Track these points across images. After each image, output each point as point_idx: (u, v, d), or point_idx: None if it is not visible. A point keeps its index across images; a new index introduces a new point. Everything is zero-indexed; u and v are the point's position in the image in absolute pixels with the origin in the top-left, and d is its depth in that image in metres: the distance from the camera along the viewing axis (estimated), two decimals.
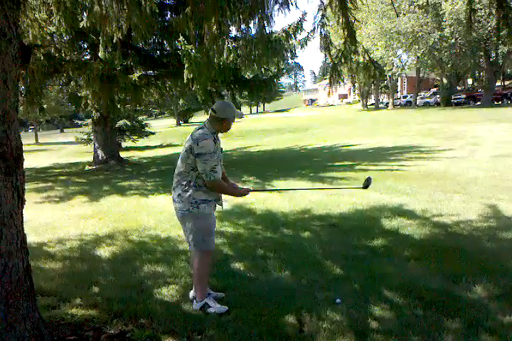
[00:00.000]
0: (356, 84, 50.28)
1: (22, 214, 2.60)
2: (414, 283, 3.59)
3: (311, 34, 7.04)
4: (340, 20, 4.99)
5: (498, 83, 46.70)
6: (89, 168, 14.13)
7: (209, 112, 3.32)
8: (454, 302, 3.23)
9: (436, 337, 2.81)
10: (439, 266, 3.97)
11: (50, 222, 6.51)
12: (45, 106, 16.66)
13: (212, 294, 3.50)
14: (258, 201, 7.20)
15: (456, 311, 3.10)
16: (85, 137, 23.69)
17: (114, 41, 5.57)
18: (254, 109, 79.03)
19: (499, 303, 3.22)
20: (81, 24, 5.87)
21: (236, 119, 3.38)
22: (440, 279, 3.70)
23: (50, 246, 5.20)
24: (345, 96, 71.66)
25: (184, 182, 3.24)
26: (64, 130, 62.19)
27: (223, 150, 3.53)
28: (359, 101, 57.53)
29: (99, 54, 6.18)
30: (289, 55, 9.74)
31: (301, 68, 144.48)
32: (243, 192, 3.49)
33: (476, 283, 3.55)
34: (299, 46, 9.19)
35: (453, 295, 3.38)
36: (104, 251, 4.90)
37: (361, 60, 6.47)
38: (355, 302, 3.33)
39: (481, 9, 23.62)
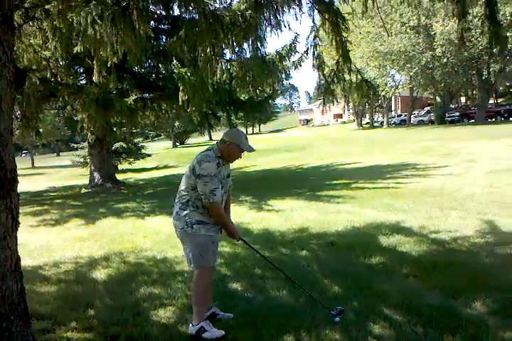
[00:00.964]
0: (351, 104, 50.83)
1: (16, 237, 2.59)
2: (413, 300, 3.56)
3: (305, 55, 7.14)
4: (333, 41, 5.08)
5: (491, 100, 47.25)
6: (86, 190, 14.09)
7: (220, 138, 3.29)
8: (453, 319, 3.20)
9: None
10: (438, 282, 3.95)
11: (45, 245, 6.46)
12: (41, 130, 16.75)
13: (220, 314, 3.47)
14: (255, 220, 7.19)
15: (456, 328, 3.07)
16: (81, 160, 23.73)
17: (109, 65, 5.64)
18: (249, 130, 79.46)
19: (499, 320, 3.19)
20: (75, 49, 5.94)
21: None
22: (439, 296, 3.67)
23: (45, 269, 5.15)
24: (340, 116, 72.18)
25: (183, 201, 3.25)
26: (60, 154, 62.27)
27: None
28: (354, 120, 57.97)
29: (94, 78, 6.24)
30: (283, 76, 9.87)
31: (295, 89, 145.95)
32: (234, 231, 3.32)
33: (475, 299, 3.53)
34: (293, 67, 9.31)
35: (452, 311, 3.35)
36: (99, 274, 4.85)
37: (354, 79, 6.56)
38: (354, 320, 3.30)
39: (472, 29, 24.18)
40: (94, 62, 5.86)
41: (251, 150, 3.27)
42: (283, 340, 3.06)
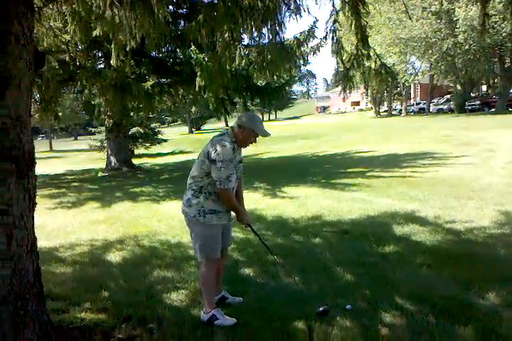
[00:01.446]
0: (369, 91, 50.23)
1: (33, 217, 2.62)
2: (426, 290, 3.54)
3: (324, 40, 7.03)
4: (353, 25, 4.98)
5: None
6: (102, 174, 14.25)
7: (235, 122, 3.22)
8: (466, 310, 3.17)
9: None
10: (452, 272, 3.91)
11: (61, 227, 6.56)
12: (60, 114, 16.89)
13: (229, 298, 3.50)
14: (269, 207, 7.20)
15: (469, 319, 3.04)
16: (98, 144, 23.96)
17: (127, 49, 5.63)
18: (266, 116, 79.20)
19: None
20: (94, 33, 5.95)
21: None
22: (453, 286, 3.63)
23: (61, 250, 5.25)
24: (357, 104, 71.45)
25: (195, 188, 3.18)
26: (78, 138, 62.96)
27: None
28: (372, 108, 57.33)
29: (112, 62, 6.24)
30: (301, 61, 9.74)
31: (313, 76, 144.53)
32: (245, 217, 3.29)
33: (490, 290, 3.49)
34: (311, 53, 9.18)
35: (466, 302, 3.32)
36: (114, 256, 4.92)
37: (373, 65, 6.45)
38: (366, 308, 3.29)
39: (495, 15, 23.53)
40: (113, 46, 5.85)
41: (266, 134, 3.20)
42: (294, 326, 3.07)
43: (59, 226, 6.59)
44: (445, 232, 5.23)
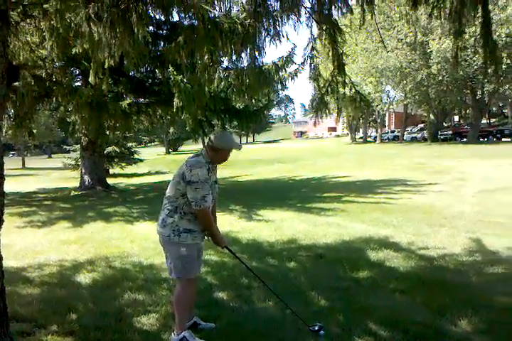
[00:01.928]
0: (345, 118, 51.20)
1: None
2: (399, 316, 3.53)
3: (302, 66, 7.16)
4: (330, 52, 5.10)
5: (484, 120, 47.78)
6: (75, 193, 13.96)
7: (206, 141, 3.24)
8: (439, 336, 3.19)
9: None
10: (425, 299, 3.93)
11: (30, 246, 6.37)
12: (34, 130, 16.63)
13: (201, 324, 3.42)
14: (244, 230, 7.16)
15: None
16: (73, 163, 23.58)
17: (105, 67, 5.62)
18: (244, 139, 79.61)
19: (484, 338, 3.17)
20: (73, 50, 5.92)
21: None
22: (425, 312, 3.64)
23: (29, 271, 5.07)
24: (334, 129, 72.62)
25: (170, 208, 3.17)
26: (52, 155, 61.90)
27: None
28: (348, 134, 58.30)
29: (90, 79, 6.20)
30: (279, 86, 9.91)
31: (291, 100, 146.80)
32: (220, 239, 3.26)
33: (462, 317, 3.51)
34: (289, 78, 9.34)
35: (438, 328, 3.32)
36: (84, 278, 4.78)
37: (348, 92, 6.59)
38: (339, 334, 3.26)
39: (468, 48, 24.45)
40: (92, 63, 5.83)
41: (239, 147, 3.27)
42: None
43: (28, 246, 6.39)
44: (418, 258, 5.27)
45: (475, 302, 3.80)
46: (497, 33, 26.26)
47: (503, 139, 34.43)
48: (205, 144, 3.25)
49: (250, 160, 29.10)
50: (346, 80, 6.11)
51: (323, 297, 4.05)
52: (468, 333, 3.27)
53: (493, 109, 51.41)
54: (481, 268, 4.89)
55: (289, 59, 8.64)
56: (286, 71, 9.07)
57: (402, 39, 32.81)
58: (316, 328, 3.24)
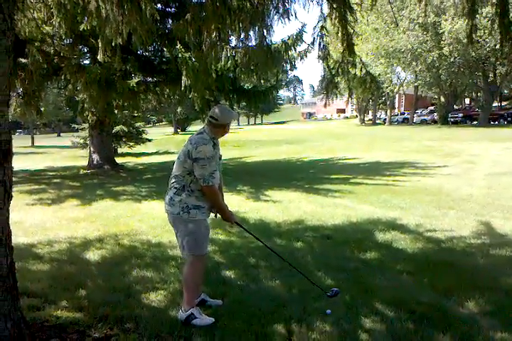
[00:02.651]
0: (354, 100, 50.74)
1: (8, 210, 2.55)
2: (406, 297, 3.54)
3: (311, 46, 7.06)
4: (340, 32, 5.01)
5: (495, 103, 47.12)
6: (84, 171, 14.05)
7: (207, 119, 3.22)
8: (445, 317, 3.19)
9: None
10: (432, 280, 3.93)
11: (40, 223, 6.43)
12: (42, 109, 16.64)
13: (209, 301, 3.46)
14: (252, 210, 7.18)
15: (448, 326, 3.05)
16: (81, 141, 23.62)
17: (114, 45, 5.57)
18: (252, 120, 79.30)
19: (491, 319, 3.18)
20: (81, 27, 5.86)
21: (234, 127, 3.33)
22: (432, 293, 3.65)
23: (38, 247, 5.13)
24: (343, 111, 72.08)
25: (177, 186, 3.18)
26: (61, 134, 62.11)
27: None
28: (356, 116, 57.86)
29: (98, 57, 6.15)
30: (288, 66, 9.77)
31: (300, 81, 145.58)
32: (229, 215, 3.29)
33: (468, 298, 3.51)
34: (299, 58, 9.19)
35: (445, 309, 3.33)
36: (93, 255, 4.83)
37: (358, 73, 6.50)
38: (345, 314, 3.28)
39: (481, 29, 23.96)
40: (99, 41, 5.78)
41: (236, 116, 3.37)
42: (273, 330, 3.05)
43: (37, 223, 6.46)
44: (426, 240, 5.27)
45: (482, 284, 3.80)
46: (511, 15, 25.64)
47: None
48: (207, 121, 3.22)
49: (258, 141, 29.03)
50: (356, 61, 6.03)
51: (329, 277, 4.07)
52: (474, 314, 3.28)
53: (505, 91, 50.58)
54: (488, 250, 4.88)
55: (298, 37, 8.49)
56: (295, 50, 8.94)
57: (414, 19, 32.15)
58: (333, 293, 3.37)
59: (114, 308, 3.35)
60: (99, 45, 5.86)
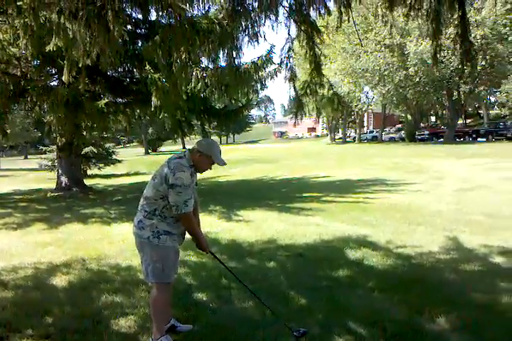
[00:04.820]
0: (324, 118, 51.61)
1: None
2: (378, 314, 3.55)
3: (281, 66, 7.20)
4: (308, 53, 5.12)
5: (460, 121, 48.66)
6: (52, 194, 13.71)
7: (192, 147, 3.15)
8: (417, 334, 3.21)
9: None
10: (403, 297, 3.96)
11: (5, 249, 6.22)
12: (8, 131, 16.26)
13: (179, 326, 3.37)
14: (224, 230, 7.12)
15: None
16: (49, 163, 23.13)
17: (80, 66, 5.52)
18: (224, 139, 79.51)
19: (461, 335, 3.21)
20: (47, 48, 5.79)
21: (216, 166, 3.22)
22: (404, 310, 3.67)
23: (3, 274, 4.95)
24: (313, 130, 73.06)
25: (148, 209, 3.09)
26: (28, 156, 60.72)
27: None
28: (327, 134, 58.73)
29: (64, 78, 6.08)
30: (258, 86, 9.89)
31: (271, 101, 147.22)
32: (204, 243, 3.22)
33: (439, 314, 3.55)
34: (269, 78, 9.33)
35: (417, 326, 3.35)
36: (60, 280, 4.68)
37: (326, 93, 6.62)
38: (319, 333, 3.26)
39: (444, 50, 24.88)
40: (66, 62, 5.72)
41: (222, 163, 3.16)
42: None
43: (2, 248, 6.24)
44: (396, 257, 5.32)
45: (452, 300, 3.85)
46: (472, 35, 26.79)
47: (479, 139, 35.10)
48: (191, 148, 3.16)
49: (230, 161, 28.88)
50: (324, 81, 6.14)
51: (302, 296, 4.05)
52: (446, 330, 3.31)
53: (469, 109, 52.38)
54: (457, 265, 4.95)
55: (267, 58, 8.64)
56: (265, 70, 9.08)
57: (380, 41, 33.21)
58: (300, 333, 3.21)
59: (82, 335, 3.26)
60: (65, 66, 5.80)
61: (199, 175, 3.31)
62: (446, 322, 3.44)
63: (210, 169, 3.24)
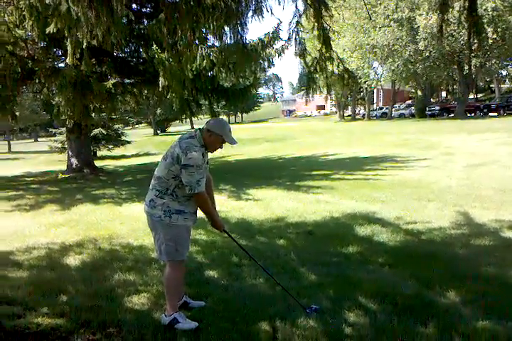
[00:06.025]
0: (333, 96, 51.05)
1: None
2: (388, 289, 3.57)
3: (288, 42, 7.08)
4: (316, 28, 5.02)
5: (472, 95, 47.91)
6: (63, 176, 13.84)
7: (203, 127, 3.12)
8: (428, 308, 3.23)
9: None
10: (413, 272, 3.98)
11: (19, 230, 6.31)
12: (17, 113, 16.33)
13: (191, 303, 3.42)
14: (234, 209, 7.16)
15: (430, 316, 3.09)
16: (59, 146, 23.27)
17: (84, 47, 5.48)
18: (232, 119, 79.20)
19: (472, 308, 3.23)
20: (47, 29, 5.71)
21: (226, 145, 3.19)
22: (414, 285, 3.69)
23: (17, 254, 5.03)
24: (322, 108, 72.39)
25: (160, 189, 3.09)
26: (38, 139, 61.11)
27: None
28: (336, 112, 58.22)
29: (67, 60, 6.04)
30: (266, 63, 9.77)
31: (279, 79, 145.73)
32: (218, 222, 3.23)
33: (450, 288, 3.56)
34: (276, 55, 9.22)
35: (427, 300, 3.37)
36: (73, 260, 4.76)
37: (336, 69, 6.52)
38: (329, 308, 3.30)
39: (454, 23, 24.27)
40: (69, 43, 5.67)
41: (234, 143, 3.14)
42: (258, 327, 3.04)
43: (16, 229, 6.33)
44: (406, 232, 5.33)
45: (462, 274, 3.87)
46: (483, 7, 26.11)
47: (490, 114, 34.57)
48: (202, 128, 3.13)
49: (239, 140, 28.84)
50: (333, 56, 6.04)
51: (312, 272, 4.08)
52: (456, 304, 3.33)
53: (480, 84, 51.46)
54: (468, 240, 4.96)
55: (275, 35, 8.51)
56: (273, 47, 8.95)
57: (389, 15, 32.50)
58: (312, 310, 3.24)
59: (96, 313, 3.30)
60: (69, 48, 5.75)
61: (209, 155, 3.29)
62: (457, 295, 3.46)
63: (221, 148, 3.22)
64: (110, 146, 24.40)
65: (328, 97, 56.67)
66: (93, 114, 13.42)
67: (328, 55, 5.49)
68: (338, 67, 6.46)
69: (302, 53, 5.51)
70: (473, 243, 4.86)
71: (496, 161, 11.21)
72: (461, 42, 29.39)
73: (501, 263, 4.20)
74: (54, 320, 3.22)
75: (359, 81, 39.10)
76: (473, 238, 5.01)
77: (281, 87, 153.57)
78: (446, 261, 4.25)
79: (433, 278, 3.78)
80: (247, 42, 8.23)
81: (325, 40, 5.21)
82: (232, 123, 68.80)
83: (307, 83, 6.54)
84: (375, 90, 53.83)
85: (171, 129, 58.11)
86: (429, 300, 3.38)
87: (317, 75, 6.65)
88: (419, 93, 43.74)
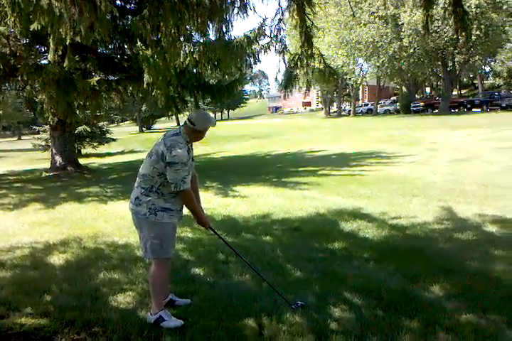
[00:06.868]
0: (319, 92, 51.18)
1: None
2: (373, 284, 3.60)
3: (273, 39, 7.07)
4: (298, 25, 5.02)
5: (455, 91, 48.39)
6: (47, 174, 13.66)
7: (184, 121, 3.13)
8: (412, 302, 3.26)
9: (395, 336, 2.81)
10: (398, 267, 4.01)
11: (1, 229, 6.22)
12: (0, 111, 16.09)
13: (177, 301, 3.41)
14: (220, 206, 7.15)
15: (415, 311, 3.12)
16: (43, 143, 22.98)
17: (67, 44, 5.40)
18: (218, 116, 78.97)
19: (456, 302, 3.27)
20: (31, 26, 5.61)
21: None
22: (399, 280, 3.72)
23: (0, 254, 4.95)
24: (308, 104, 72.55)
25: (145, 186, 3.08)
26: (22, 137, 60.28)
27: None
28: (322, 108, 58.37)
29: (49, 57, 5.94)
30: (251, 60, 9.73)
31: (265, 76, 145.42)
32: (204, 219, 3.25)
33: (434, 283, 3.60)
34: (262, 51, 9.17)
35: (411, 295, 3.40)
36: (57, 259, 4.70)
37: (317, 65, 6.53)
38: (315, 303, 3.31)
39: (438, 20, 24.50)
40: (51, 40, 5.58)
41: (215, 124, 3.19)
42: (244, 324, 3.04)
43: None
44: (391, 228, 5.38)
45: (446, 268, 3.91)
46: (467, 4, 26.36)
47: (473, 109, 34.98)
48: (184, 124, 3.13)
49: (225, 137, 28.90)
50: (316, 53, 6.04)
51: (298, 268, 4.09)
52: (440, 298, 3.37)
53: (464, 80, 52.04)
54: (452, 235, 5.01)
55: (260, 31, 8.47)
56: (258, 44, 8.91)
57: (374, 12, 32.64)
58: (298, 306, 3.24)
59: (80, 312, 3.27)
60: (51, 45, 5.66)
61: (194, 152, 3.29)
62: (441, 289, 3.50)
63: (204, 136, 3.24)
64: (95, 144, 24.17)
65: (308, 94, 56.89)
66: (77, 111, 13.25)
67: (309, 52, 5.48)
68: (319, 63, 6.46)
69: (283, 51, 5.50)
70: (456, 237, 4.92)
71: (479, 156, 11.36)
72: (445, 38, 29.67)
73: (484, 257, 4.26)
74: (38, 319, 3.18)
75: (345, 77, 39.35)
76: (457, 233, 5.07)
77: (268, 84, 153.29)
78: (430, 256, 4.29)
79: (417, 273, 3.81)
80: (233, 38, 8.21)
81: (307, 37, 5.20)
82: (219, 120, 68.64)
83: (285, 80, 6.55)
84: (360, 87, 54.07)
85: (156, 126, 57.73)
86: (413, 294, 3.42)
87: (298, 71, 6.66)
88: (404, 89, 44.03)
